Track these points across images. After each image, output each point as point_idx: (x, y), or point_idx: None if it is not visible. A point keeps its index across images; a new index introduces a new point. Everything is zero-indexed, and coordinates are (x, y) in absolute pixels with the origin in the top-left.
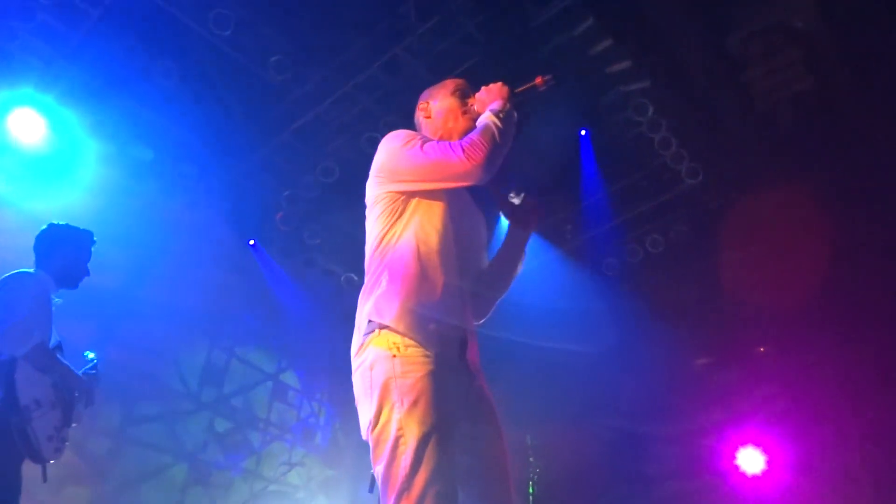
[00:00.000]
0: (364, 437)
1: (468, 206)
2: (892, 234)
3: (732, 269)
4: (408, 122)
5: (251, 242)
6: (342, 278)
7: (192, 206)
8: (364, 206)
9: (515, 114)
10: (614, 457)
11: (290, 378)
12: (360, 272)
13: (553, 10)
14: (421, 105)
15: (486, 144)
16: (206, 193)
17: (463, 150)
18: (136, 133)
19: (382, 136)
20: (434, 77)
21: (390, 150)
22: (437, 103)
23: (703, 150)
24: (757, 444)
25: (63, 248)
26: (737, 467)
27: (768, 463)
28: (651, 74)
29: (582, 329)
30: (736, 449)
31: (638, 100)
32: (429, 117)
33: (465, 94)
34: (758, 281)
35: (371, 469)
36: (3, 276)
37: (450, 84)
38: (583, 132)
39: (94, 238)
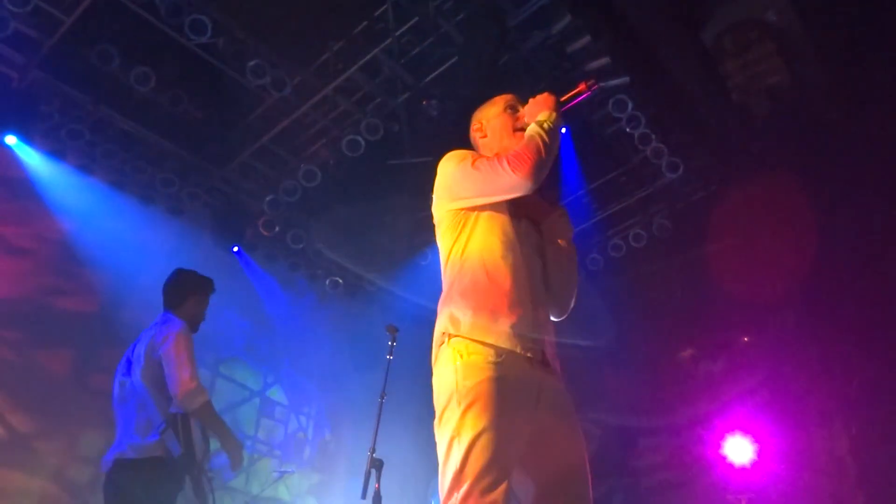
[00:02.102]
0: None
1: (541, 205)
2: (868, 221)
3: (715, 261)
4: (388, 124)
5: (235, 249)
6: (327, 282)
7: (171, 215)
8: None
9: (562, 121)
10: (601, 451)
11: (276, 394)
12: (345, 275)
13: (530, 9)
14: (475, 126)
15: (530, 156)
16: (187, 201)
17: (509, 163)
18: (112, 142)
19: (363, 138)
20: (413, 79)
21: (446, 170)
22: (490, 122)
23: (683, 144)
24: (744, 432)
25: (194, 297)
26: (724, 457)
27: (756, 451)
28: (630, 70)
29: (567, 324)
30: (723, 439)
31: (617, 96)
32: (485, 137)
33: (515, 109)
34: (740, 271)
35: (363, 475)
36: (166, 326)
37: (499, 101)
38: (563, 129)
39: (215, 287)
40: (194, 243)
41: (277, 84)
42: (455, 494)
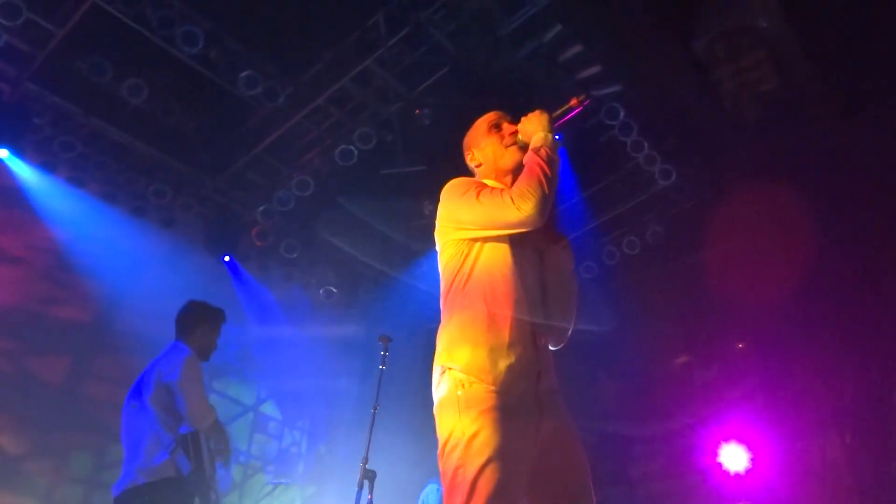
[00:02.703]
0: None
1: (545, 234)
2: (861, 228)
3: (708, 268)
4: (381, 133)
5: (226, 259)
6: (321, 292)
7: (164, 226)
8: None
9: (559, 143)
10: (596, 459)
11: (269, 409)
12: (339, 284)
13: (522, 18)
14: (467, 156)
15: (534, 192)
16: (179, 211)
17: (513, 200)
18: (105, 153)
19: (356, 147)
20: (405, 88)
21: (451, 198)
22: (481, 151)
23: (676, 151)
24: (739, 440)
25: (203, 326)
26: (719, 464)
27: (751, 459)
28: (621, 78)
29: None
30: (718, 446)
31: (609, 104)
32: (480, 165)
33: (499, 127)
34: (734, 278)
35: (357, 488)
36: (174, 353)
37: (483, 125)
38: (556, 138)
39: (226, 317)
40: (187, 254)
41: (270, 94)
42: None
